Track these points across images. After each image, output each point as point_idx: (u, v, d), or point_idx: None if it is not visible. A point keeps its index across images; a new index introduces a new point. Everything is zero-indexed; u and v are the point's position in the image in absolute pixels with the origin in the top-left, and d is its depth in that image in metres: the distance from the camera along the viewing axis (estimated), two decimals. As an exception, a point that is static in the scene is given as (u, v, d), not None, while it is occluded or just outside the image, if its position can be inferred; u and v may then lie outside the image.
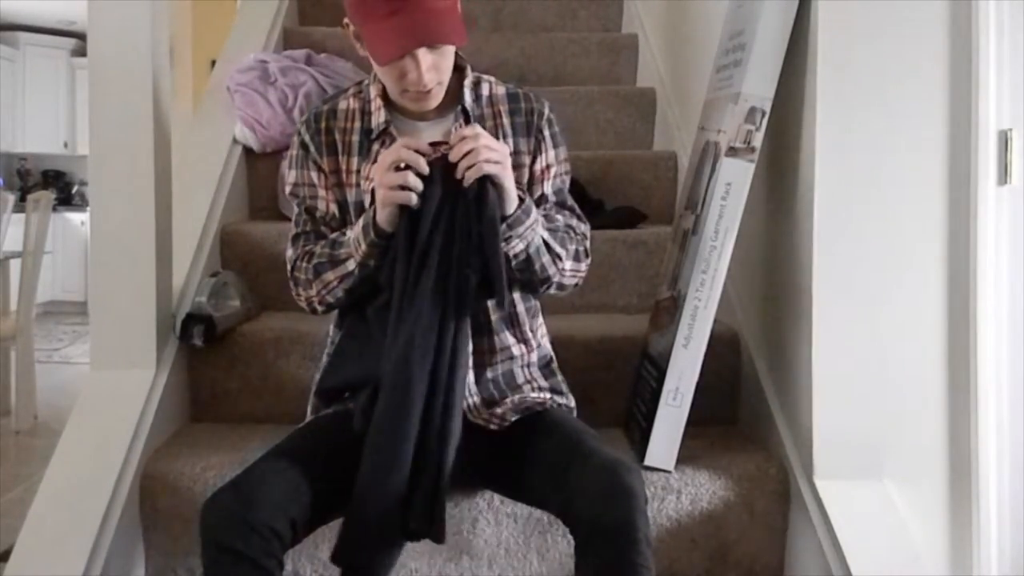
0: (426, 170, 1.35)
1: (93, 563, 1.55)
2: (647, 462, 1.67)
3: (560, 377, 1.62)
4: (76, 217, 7.60)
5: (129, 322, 1.83)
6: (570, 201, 1.60)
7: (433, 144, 1.39)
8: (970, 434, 1.64)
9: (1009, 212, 1.63)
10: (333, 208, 1.54)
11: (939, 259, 1.65)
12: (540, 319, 1.63)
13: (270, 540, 1.29)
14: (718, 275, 1.66)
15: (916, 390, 1.66)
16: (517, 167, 1.52)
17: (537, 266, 1.47)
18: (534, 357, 1.58)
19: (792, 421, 1.74)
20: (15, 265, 4.09)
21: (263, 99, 2.55)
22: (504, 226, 1.39)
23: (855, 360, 1.63)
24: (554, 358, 1.63)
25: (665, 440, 1.67)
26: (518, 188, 1.44)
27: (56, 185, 7.96)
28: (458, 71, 1.54)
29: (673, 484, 1.66)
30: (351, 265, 1.46)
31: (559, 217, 1.56)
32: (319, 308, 1.55)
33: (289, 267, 1.56)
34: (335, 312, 1.59)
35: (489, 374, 1.52)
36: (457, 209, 1.36)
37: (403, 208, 1.36)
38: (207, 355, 1.95)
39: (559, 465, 1.35)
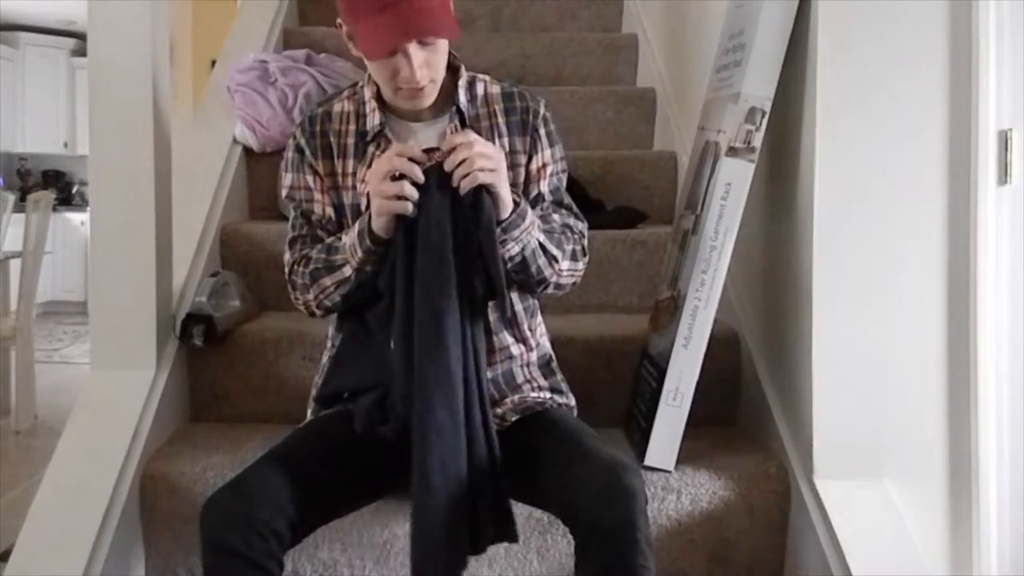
0: (421, 178, 1.35)
1: (93, 563, 1.55)
2: (647, 462, 1.67)
3: (560, 376, 1.62)
4: (76, 217, 7.61)
5: (129, 322, 1.83)
6: (567, 199, 1.60)
7: (427, 151, 1.39)
8: (970, 434, 1.64)
9: (1009, 212, 1.63)
10: (329, 211, 1.54)
11: (939, 259, 1.65)
12: (539, 318, 1.63)
13: (270, 540, 1.29)
14: (718, 275, 1.66)
15: (916, 390, 1.66)
16: (513, 167, 1.52)
17: (533, 268, 1.47)
18: (533, 357, 1.58)
19: (792, 421, 1.74)
20: (15, 265, 4.10)
21: (263, 99, 2.55)
22: (499, 230, 1.39)
23: (855, 360, 1.63)
24: (553, 357, 1.63)
25: (665, 440, 1.67)
26: (513, 191, 1.43)
27: (56, 185, 7.96)
28: (452, 71, 1.54)
29: (673, 484, 1.66)
30: (348, 271, 1.46)
31: (555, 217, 1.55)
32: (317, 312, 1.55)
33: (287, 271, 1.56)
34: (334, 314, 1.59)
35: (489, 374, 1.51)
36: (453, 215, 1.36)
37: (399, 216, 1.36)
38: (207, 355, 1.95)
39: (559, 465, 1.35)
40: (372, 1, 1.37)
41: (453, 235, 1.35)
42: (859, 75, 1.61)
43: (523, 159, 1.54)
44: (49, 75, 8.03)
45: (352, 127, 1.54)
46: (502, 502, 1.37)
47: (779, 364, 1.81)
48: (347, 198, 1.53)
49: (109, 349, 1.83)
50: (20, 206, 4.47)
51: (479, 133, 1.51)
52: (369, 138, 1.53)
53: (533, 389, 1.54)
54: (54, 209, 5.47)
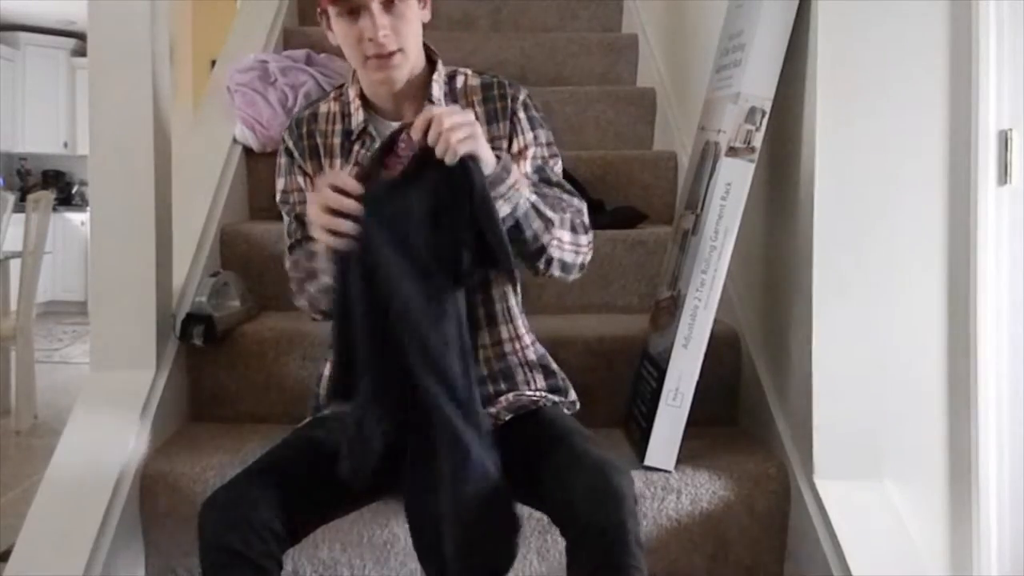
0: (353, 211, 1.30)
1: (93, 563, 1.55)
2: (647, 462, 1.67)
3: (560, 375, 1.60)
4: (76, 217, 7.60)
5: (129, 322, 1.83)
6: (556, 178, 1.54)
7: (402, 127, 1.39)
8: (970, 434, 1.64)
9: (1009, 212, 1.63)
10: None
11: (939, 259, 1.65)
12: (526, 322, 1.60)
13: (268, 541, 1.29)
14: (718, 275, 1.66)
15: (916, 390, 1.66)
16: (495, 151, 1.50)
17: (528, 233, 1.40)
18: (531, 354, 1.56)
19: (792, 421, 1.74)
20: (15, 265, 4.10)
21: (263, 99, 2.55)
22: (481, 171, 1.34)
23: (855, 360, 1.62)
24: (548, 356, 1.61)
25: (665, 440, 1.67)
26: (495, 150, 1.39)
27: (56, 185, 7.95)
28: (430, 64, 1.54)
29: (673, 484, 1.65)
30: (326, 279, 1.42)
31: (547, 190, 1.50)
32: (317, 317, 1.55)
33: (290, 277, 1.55)
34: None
35: (485, 370, 1.51)
36: (438, 193, 1.32)
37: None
38: (207, 355, 1.95)
39: (549, 467, 1.34)
40: None
41: (443, 211, 1.32)
42: (859, 75, 1.61)
43: (503, 144, 1.52)
44: (49, 75, 8.03)
45: (338, 127, 1.55)
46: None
47: (779, 364, 1.81)
48: None
49: (109, 349, 1.83)
50: (20, 206, 4.48)
51: None
52: (354, 137, 1.54)
53: (530, 388, 1.54)
54: (54, 209, 5.47)
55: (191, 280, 2.08)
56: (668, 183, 2.57)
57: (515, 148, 1.53)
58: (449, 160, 1.30)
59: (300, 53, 2.73)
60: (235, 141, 2.55)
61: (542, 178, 1.52)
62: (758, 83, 1.66)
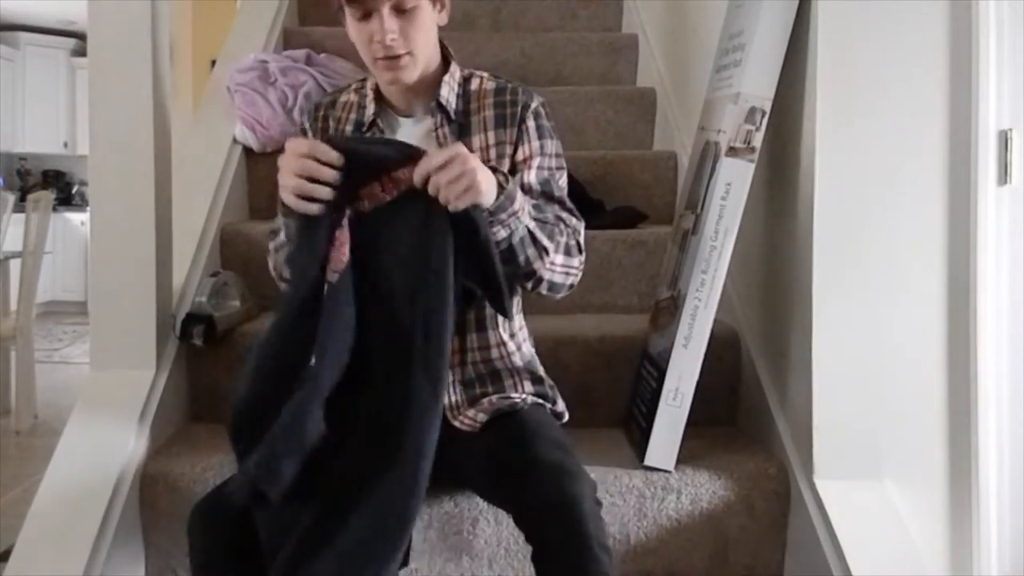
0: (330, 179, 1.32)
1: (93, 563, 1.55)
2: (647, 462, 1.67)
3: (548, 383, 1.58)
4: (76, 217, 7.60)
5: (129, 322, 1.83)
6: (559, 194, 1.53)
7: (411, 155, 1.36)
8: (970, 434, 1.64)
9: (1009, 212, 1.63)
10: None
11: (939, 259, 1.65)
12: (522, 321, 1.60)
13: (255, 546, 1.29)
14: (718, 275, 1.66)
15: (916, 390, 1.66)
16: (499, 158, 1.51)
17: (521, 258, 1.41)
18: (518, 360, 1.54)
19: (792, 421, 1.74)
20: (15, 265, 4.10)
21: (263, 99, 2.55)
22: (485, 213, 1.34)
23: (855, 360, 1.62)
24: (538, 364, 1.59)
25: (665, 440, 1.67)
26: (500, 175, 1.40)
27: (56, 185, 7.95)
28: (444, 64, 1.55)
29: (673, 484, 1.65)
30: (283, 236, 1.48)
31: (548, 210, 1.50)
32: (282, 285, 1.56)
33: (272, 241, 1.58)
34: None
35: (472, 372, 1.50)
36: (430, 237, 1.34)
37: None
38: (207, 355, 1.95)
39: (506, 472, 1.33)
40: None
41: (428, 256, 1.33)
42: (859, 75, 1.61)
43: (509, 150, 1.52)
44: (49, 75, 8.03)
45: (352, 116, 1.58)
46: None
47: (779, 364, 1.81)
48: None
49: (109, 349, 1.83)
50: (20, 206, 4.47)
51: (466, 128, 1.51)
52: (364, 128, 1.56)
53: (516, 391, 1.51)
54: (54, 209, 5.47)
55: (191, 280, 2.08)
56: (668, 183, 2.57)
57: (520, 155, 1.52)
58: (452, 210, 1.31)
59: (300, 53, 2.73)
60: (235, 141, 2.56)
61: (544, 190, 1.51)
62: (758, 83, 1.66)
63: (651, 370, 1.77)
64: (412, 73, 1.48)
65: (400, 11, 1.43)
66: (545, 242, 1.42)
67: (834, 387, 1.63)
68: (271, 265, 1.58)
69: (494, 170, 1.38)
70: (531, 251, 1.41)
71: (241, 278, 2.14)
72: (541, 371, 1.58)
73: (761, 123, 1.66)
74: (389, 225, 1.36)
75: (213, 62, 3.09)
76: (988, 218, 1.62)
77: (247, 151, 2.57)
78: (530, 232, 1.40)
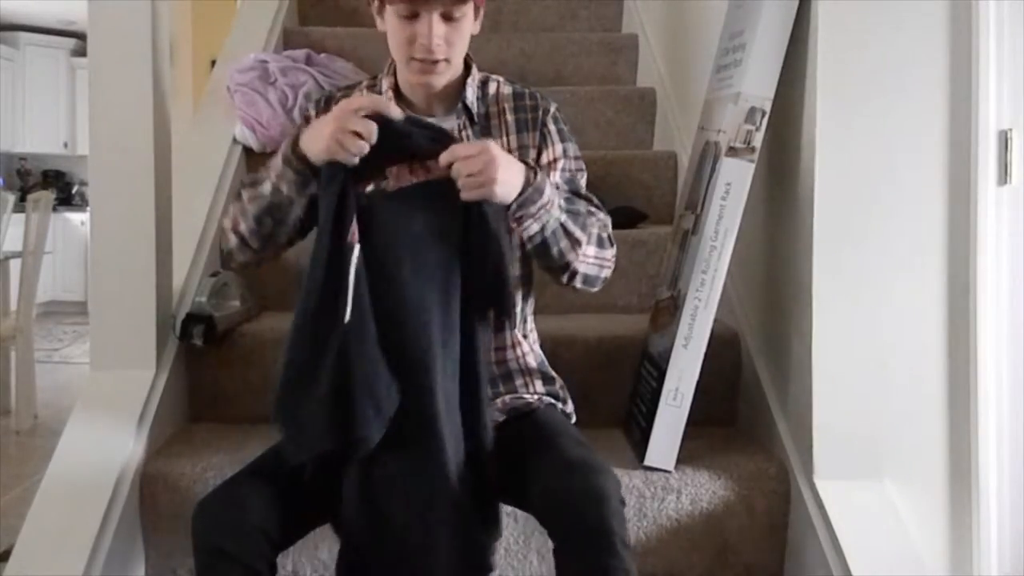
0: (372, 140, 1.32)
1: (93, 563, 1.55)
2: (647, 462, 1.67)
3: (559, 383, 1.60)
4: (76, 217, 7.60)
5: (129, 322, 1.83)
6: (584, 191, 1.56)
7: (412, 121, 1.38)
8: (970, 434, 1.64)
9: (1009, 212, 1.63)
10: None
11: (939, 259, 1.65)
12: (532, 324, 1.61)
13: (261, 543, 1.29)
14: (718, 275, 1.66)
15: (916, 390, 1.66)
16: (521, 161, 1.51)
17: (555, 251, 1.42)
18: (531, 360, 1.56)
19: (792, 421, 1.74)
20: (15, 265, 4.10)
21: (263, 99, 2.55)
22: (514, 206, 1.37)
23: (855, 360, 1.63)
24: (548, 365, 1.60)
25: (665, 440, 1.67)
26: (531, 169, 1.40)
27: (56, 185, 7.94)
28: (465, 69, 1.55)
29: (673, 484, 1.66)
30: (267, 187, 1.41)
31: (580, 204, 1.51)
32: (232, 242, 1.49)
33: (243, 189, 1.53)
34: None
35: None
36: (449, 225, 1.35)
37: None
38: (207, 355, 1.95)
39: (533, 468, 1.34)
40: None
41: (450, 242, 1.35)
42: (859, 75, 1.61)
43: (532, 154, 1.53)
44: (49, 75, 8.03)
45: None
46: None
47: (779, 364, 1.81)
48: None
49: (109, 349, 1.83)
50: (20, 206, 4.47)
51: (487, 131, 1.52)
52: None
53: (529, 392, 1.54)
54: (54, 209, 5.47)
55: (191, 280, 2.08)
56: (668, 183, 2.58)
57: (545, 159, 1.54)
58: (463, 199, 1.33)
59: (300, 53, 2.73)
60: (235, 141, 2.55)
61: (572, 189, 1.54)
62: (758, 83, 1.66)
63: (651, 370, 1.77)
64: (443, 79, 1.48)
65: (448, 18, 1.42)
66: (578, 234, 1.43)
67: (834, 387, 1.63)
68: (234, 212, 1.48)
69: (526, 164, 1.40)
70: (564, 243, 1.42)
71: (241, 278, 2.14)
72: (552, 372, 1.60)
73: (761, 123, 1.66)
74: (408, 204, 1.37)
75: (213, 62, 3.09)
76: (988, 218, 1.62)
77: (247, 151, 2.57)
78: (562, 225, 1.42)
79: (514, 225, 1.39)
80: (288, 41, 3.03)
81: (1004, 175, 1.62)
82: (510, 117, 1.55)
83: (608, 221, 1.55)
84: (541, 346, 1.63)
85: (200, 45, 5.02)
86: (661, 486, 1.65)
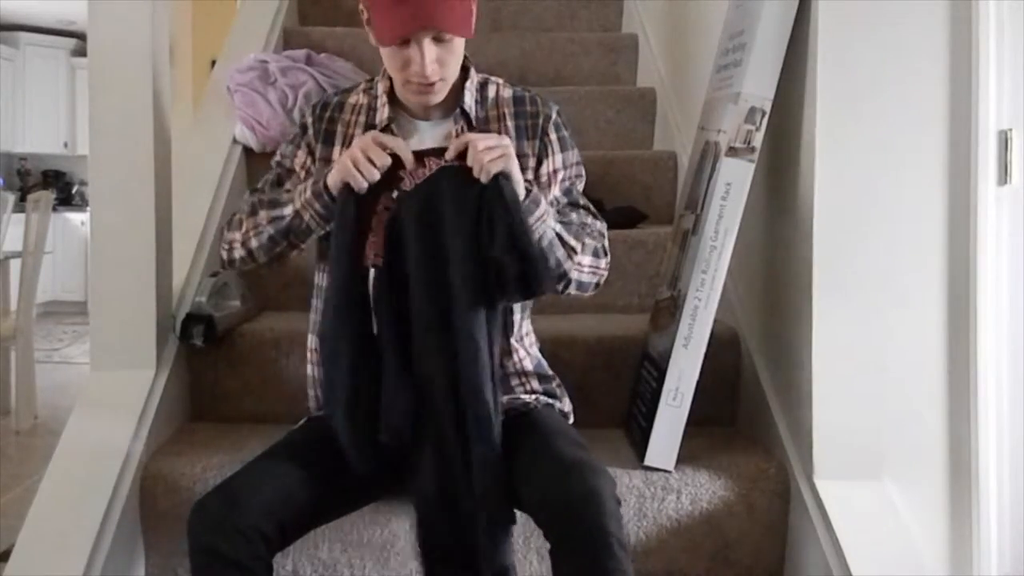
0: (386, 164, 1.39)
1: (93, 563, 1.55)
2: (647, 462, 1.67)
3: (556, 382, 1.61)
4: (76, 217, 7.61)
5: (129, 322, 1.83)
6: (582, 200, 1.58)
7: (433, 151, 1.43)
8: (970, 434, 1.64)
9: (1009, 212, 1.63)
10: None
11: (939, 259, 1.65)
12: (529, 327, 1.61)
13: (256, 543, 1.29)
14: (718, 275, 1.66)
15: (916, 390, 1.66)
16: (522, 170, 1.51)
17: (552, 260, 1.44)
18: (528, 364, 1.57)
19: (792, 421, 1.74)
20: (15, 265, 4.10)
21: (263, 99, 2.55)
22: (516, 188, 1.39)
23: (855, 360, 1.62)
24: (546, 365, 1.62)
25: (665, 440, 1.67)
26: (525, 182, 1.43)
27: (56, 185, 7.95)
28: (463, 72, 1.54)
29: (673, 484, 1.65)
30: (287, 210, 1.47)
31: (573, 215, 1.54)
32: (238, 253, 1.54)
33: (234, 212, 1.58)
34: (314, 322, 1.57)
35: None
36: (467, 212, 1.38)
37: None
38: (207, 355, 1.95)
39: (529, 468, 1.34)
40: None
41: (469, 231, 1.37)
42: (859, 75, 1.61)
43: (531, 163, 1.53)
44: (49, 75, 8.03)
45: (362, 119, 1.55)
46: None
47: (779, 364, 1.81)
48: None
49: (109, 349, 1.83)
50: (20, 206, 4.48)
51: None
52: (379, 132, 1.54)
53: (525, 392, 1.54)
54: (54, 209, 5.47)
55: (191, 280, 2.08)
56: (668, 183, 2.58)
57: (545, 170, 1.54)
58: (484, 178, 1.36)
59: (300, 53, 2.73)
60: (235, 141, 2.56)
61: (570, 200, 1.56)
62: (758, 83, 1.66)
63: (651, 370, 1.77)
64: (440, 96, 1.48)
65: (440, 39, 1.41)
66: (572, 242, 1.47)
67: (834, 387, 1.63)
68: (246, 227, 1.53)
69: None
70: (560, 252, 1.46)
71: (241, 278, 2.14)
72: (549, 371, 1.60)
73: (761, 123, 1.66)
74: (433, 190, 1.40)
75: (213, 62, 3.09)
76: (988, 218, 1.62)
77: (247, 151, 2.57)
78: (557, 235, 1.45)
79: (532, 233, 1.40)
80: (288, 41, 3.03)
81: (1004, 175, 1.62)
82: (511, 123, 1.54)
83: (604, 229, 1.57)
84: (541, 346, 1.64)
85: (200, 45, 5.03)
86: (661, 486, 1.65)
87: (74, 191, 8.18)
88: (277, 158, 1.61)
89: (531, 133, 1.54)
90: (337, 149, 1.54)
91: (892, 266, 1.63)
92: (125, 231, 1.82)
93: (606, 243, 1.55)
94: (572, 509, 1.24)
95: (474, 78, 1.55)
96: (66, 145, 8.11)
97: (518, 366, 1.55)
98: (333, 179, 1.41)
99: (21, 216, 4.09)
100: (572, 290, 1.51)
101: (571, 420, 1.59)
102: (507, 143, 1.38)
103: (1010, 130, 1.61)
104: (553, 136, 1.55)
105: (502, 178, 1.36)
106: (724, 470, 1.68)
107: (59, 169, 8.24)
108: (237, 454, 1.70)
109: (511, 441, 1.42)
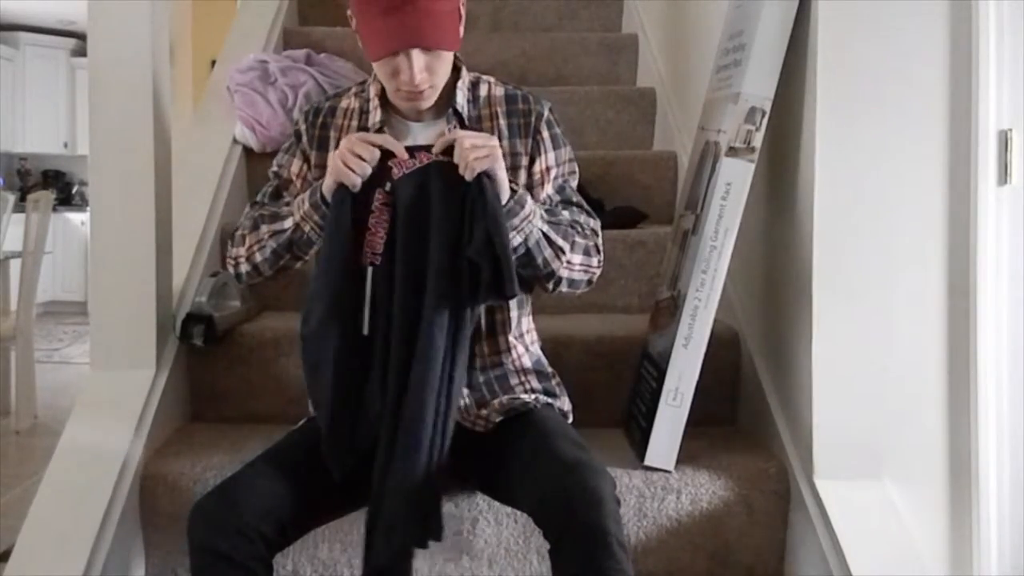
0: (375, 159, 1.40)
1: (93, 563, 1.55)
2: (647, 462, 1.67)
3: (555, 380, 1.61)
4: (76, 217, 7.61)
5: (129, 322, 1.83)
6: (576, 197, 1.58)
7: (418, 147, 1.43)
8: (970, 434, 1.64)
9: (1009, 212, 1.63)
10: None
11: (939, 259, 1.65)
12: (529, 324, 1.61)
13: (256, 543, 1.29)
14: (718, 275, 1.66)
15: (916, 390, 1.66)
16: (514, 168, 1.51)
17: (539, 260, 1.45)
18: (527, 361, 1.57)
19: (792, 421, 1.74)
20: (15, 265, 4.09)
21: (263, 99, 2.55)
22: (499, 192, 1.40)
23: (855, 360, 1.63)
24: (546, 362, 1.62)
25: (665, 440, 1.67)
26: (512, 182, 1.43)
27: (56, 185, 7.96)
28: (454, 71, 1.54)
29: (673, 484, 1.66)
30: (288, 223, 1.48)
31: (564, 213, 1.53)
32: (244, 268, 1.56)
33: (236, 227, 1.59)
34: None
35: (481, 377, 1.52)
36: (449, 208, 1.39)
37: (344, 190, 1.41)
38: (207, 355, 1.95)
39: (528, 468, 1.34)
40: (378, 4, 1.37)
41: (452, 227, 1.38)
42: (859, 75, 1.61)
43: (524, 161, 1.53)
44: (49, 75, 8.03)
45: (355, 123, 1.55)
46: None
47: (779, 364, 1.81)
48: None
49: (109, 349, 1.83)
50: (20, 206, 4.47)
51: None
52: None
53: (524, 391, 1.54)
54: (54, 209, 5.47)
55: (191, 280, 2.08)
56: (668, 183, 2.58)
57: (538, 168, 1.54)
58: (468, 176, 1.36)
59: (300, 53, 2.73)
60: (235, 141, 2.56)
61: (563, 198, 1.56)
62: (758, 83, 1.66)
63: (651, 370, 1.77)
64: (431, 100, 1.49)
65: (428, 49, 1.41)
66: (560, 242, 1.46)
67: (834, 387, 1.63)
68: (250, 243, 1.54)
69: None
70: (548, 252, 1.45)
71: (241, 278, 2.14)
72: (548, 368, 1.60)
73: (761, 123, 1.66)
74: (417, 184, 1.42)
75: (213, 62, 3.09)
76: (988, 218, 1.62)
77: (247, 151, 2.57)
78: (544, 235, 1.44)
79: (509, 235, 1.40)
80: (288, 41, 3.03)
81: (1004, 175, 1.62)
82: (503, 121, 1.54)
83: (598, 227, 1.57)
84: (542, 346, 1.64)
85: (200, 45, 5.03)
86: (661, 486, 1.65)
87: (74, 191, 8.18)
88: (274, 168, 1.62)
89: (523, 131, 1.54)
90: (331, 154, 1.54)
91: (892, 266, 1.63)
92: (125, 231, 1.82)
93: (599, 241, 1.55)
94: (572, 509, 1.24)
95: (466, 77, 1.55)
96: (66, 145, 8.11)
97: (516, 363, 1.55)
98: (327, 184, 1.42)
99: (21, 216, 4.09)
100: (563, 288, 1.51)
101: (570, 419, 1.59)
102: (495, 143, 1.38)
103: (1010, 130, 1.61)
104: (545, 134, 1.55)
105: (485, 178, 1.37)
106: (724, 470, 1.68)
107: (59, 169, 8.24)
108: (237, 454, 1.70)
109: (510, 441, 1.42)
